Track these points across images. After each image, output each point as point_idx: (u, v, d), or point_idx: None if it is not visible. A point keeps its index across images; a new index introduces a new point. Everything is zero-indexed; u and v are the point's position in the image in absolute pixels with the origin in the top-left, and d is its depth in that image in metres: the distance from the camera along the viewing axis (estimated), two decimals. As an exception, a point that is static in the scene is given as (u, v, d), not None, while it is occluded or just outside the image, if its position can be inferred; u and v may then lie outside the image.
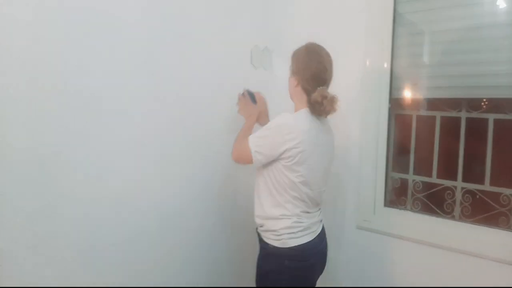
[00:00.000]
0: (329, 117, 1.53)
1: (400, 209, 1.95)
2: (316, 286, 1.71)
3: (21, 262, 1.21)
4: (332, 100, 1.44)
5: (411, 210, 1.93)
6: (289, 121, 1.43)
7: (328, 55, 1.51)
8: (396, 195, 1.98)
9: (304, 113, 1.48)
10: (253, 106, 1.79)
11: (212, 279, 1.91)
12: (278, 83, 2.02)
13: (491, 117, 1.69)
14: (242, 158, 1.52)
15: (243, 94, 1.82)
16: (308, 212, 1.52)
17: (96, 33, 1.35)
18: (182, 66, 1.67)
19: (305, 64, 1.49)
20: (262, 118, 1.82)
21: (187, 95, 1.70)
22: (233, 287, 2.02)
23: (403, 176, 1.96)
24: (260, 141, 1.45)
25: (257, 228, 1.61)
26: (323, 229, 1.61)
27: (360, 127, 1.96)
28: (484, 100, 1.73)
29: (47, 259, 1.27)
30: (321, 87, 1.46)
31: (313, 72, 1.48)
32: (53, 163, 1.27)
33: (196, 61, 1.73)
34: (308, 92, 1.49)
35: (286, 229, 1.46)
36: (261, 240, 1.57)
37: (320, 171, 1.52)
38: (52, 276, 1.28)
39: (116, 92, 1.43)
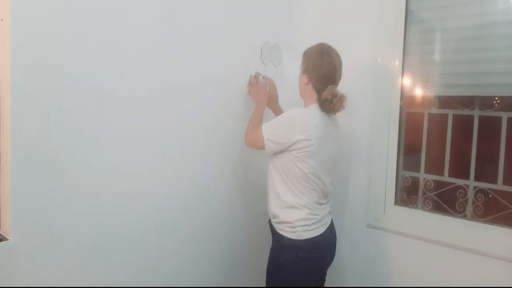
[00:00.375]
0: (340, 114, 1.58)
1: (410, 207, 1.94)
2: (325, 285, 1.73)
3: (35, 258, 1.24)
4: (341, 99, 1.52)
5: (422, 209, 1.91)
6: (300, 114, 1.51)
7: (338, 55, 1.57)
8: (407, 194, 1.97)
9: (314, 109, 1.55)
10: (264, 92, 1.85)
11: (217, 278, 1.92)
12: (287, 80, 2.03)
13: (505, 115, 1.67)
14: (255, 144, 1.61)
15: (255, 76, 1.86)
16: (320, 204, 1.57)
17: (107, 32, 1.37)
18: (192, 63, 1.68)
19: (316, 64, 1.55)
20: (272, 102, 1.89)
21: (197, 92, 1.71)
22: (238, 287, 2.02)
23: (414, 174, 1.95)
24: (272, 131, 1.54)
25: (270, 221, 1.63)
26: (332, 220, 1.66)
27: (371, 125, 1.95)
28: (496, 98, 1.70)
29: (60, 256, 1.30)
30: (331, 86, 1.53)
31: (324, 72, 1.54)
32: (61, 163, 1.28)
33: (206, 58, 1.74)
34: (318, 90, 1.56)
35: (301, 221, 1.51)
36: (274, 232, 1.60)
37: (328, 164, 1.59)
38: (59, 273, 1.30)
39: (127, 90, 1.45)
